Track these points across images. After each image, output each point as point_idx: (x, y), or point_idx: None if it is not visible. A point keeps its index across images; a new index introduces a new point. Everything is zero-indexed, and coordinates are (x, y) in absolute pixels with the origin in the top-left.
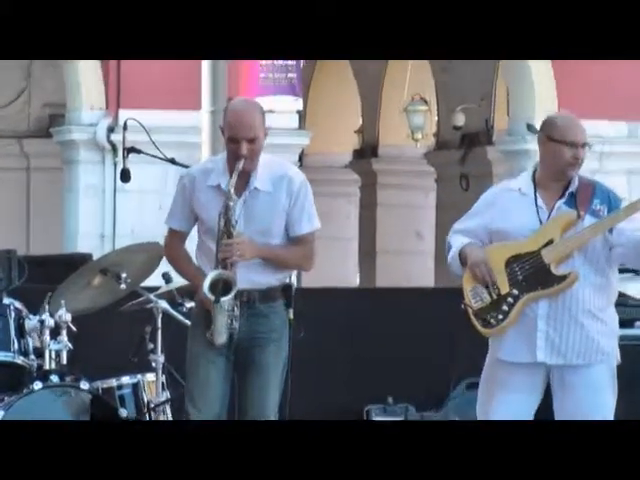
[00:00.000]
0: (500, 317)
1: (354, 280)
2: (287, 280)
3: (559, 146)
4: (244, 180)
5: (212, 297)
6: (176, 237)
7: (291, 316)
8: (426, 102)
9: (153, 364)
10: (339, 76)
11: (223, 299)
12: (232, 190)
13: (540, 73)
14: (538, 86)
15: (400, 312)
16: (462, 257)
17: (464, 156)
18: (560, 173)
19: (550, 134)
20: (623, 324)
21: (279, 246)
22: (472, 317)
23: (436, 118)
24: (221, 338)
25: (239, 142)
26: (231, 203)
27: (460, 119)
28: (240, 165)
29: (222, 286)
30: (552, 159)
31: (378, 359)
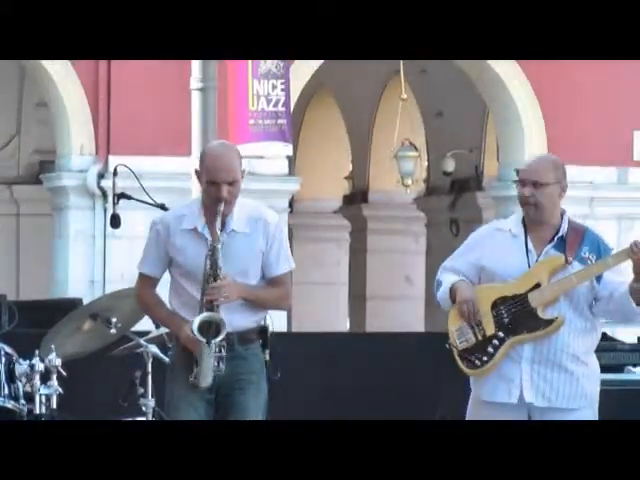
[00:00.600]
0: (485, 359)
1: (344, 325)
2: (262, 322)
3: (519, 187)
4: (220, 222)
5: (203, 339)
6: (148, 283)
7: (267, 358)
8: (416, 148)
9: (143, 408)
10: (329, 122)
11: (215, 340)
12: (219, 232)
13: (530, 119)
14: (528, 133)
15: (389, 356)
16: (452, 294)
17: (454, 202)
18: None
19: None
20: (613, 369)
21: (259, 287)
22: (457, 357)
23: (426, 164)
24: (207, 381)
25: (219, 185)
26: (218, 245)
27: (450, 165)
28: (221, 208)
29: (211, 328)
30: None
31: (366, 402)
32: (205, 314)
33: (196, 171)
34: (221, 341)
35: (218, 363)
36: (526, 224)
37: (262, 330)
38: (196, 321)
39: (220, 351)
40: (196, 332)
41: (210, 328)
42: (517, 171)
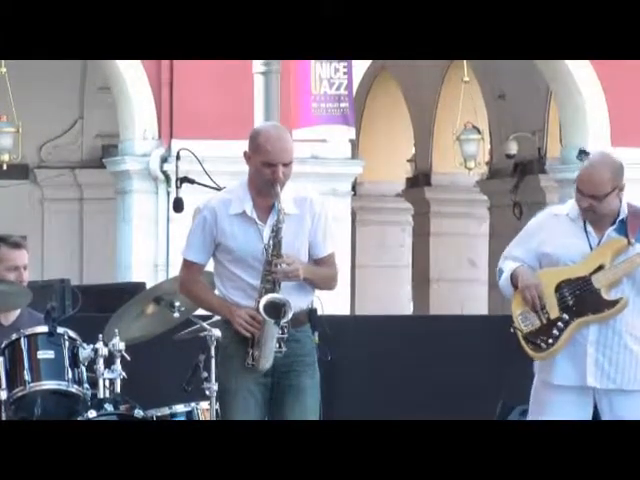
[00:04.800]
0: (550, 341)
1: (408, 308)
2: (311, 304)
3: (577, 195)
4: (269, 205)
5: (272, 320)
6: (195, 270)
7: (317, 340)
8: (479, 131)
9: (207, 392)
10: (392, 105)
11: (283, 321)
12: (283, 212)
13: (593, 101)
14: (590, 114)
15: (453, 339)
16: (514, 280)
17: (517, 184)
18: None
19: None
20: None
21: (317, 267)
22: (522, 341)
23: (489, 147)
24: (268, 363)
25: (276, 166)
26: (281, 225)
27: (513, 147)
28: (278, 189)
29: (275, 309)
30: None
31: (430, 386)
32: (270, 295)
33: (245, 153)
34: (286, 322)
35: (279, 344)
36: None
37: (310, 312)
38: (262, 302)
39: (283, 332)
40: (263, 313)
41: (274, 309)
42: (580, 152)
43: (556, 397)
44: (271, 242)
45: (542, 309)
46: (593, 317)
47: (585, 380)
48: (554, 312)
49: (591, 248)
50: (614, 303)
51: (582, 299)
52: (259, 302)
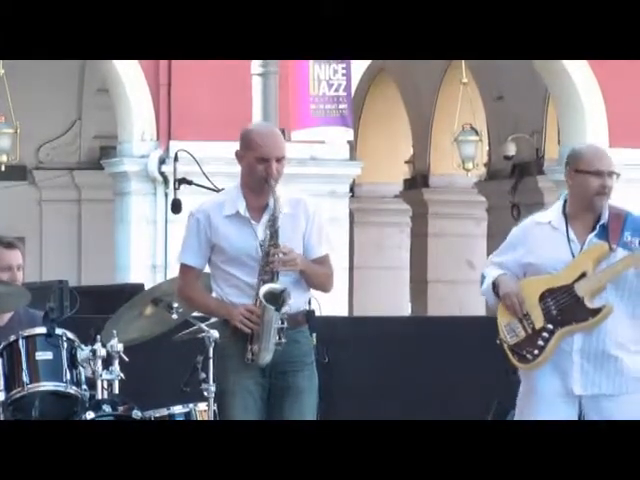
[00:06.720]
0: (536, 352)
1: (406, 309)
2: (308, 306)
3: (586, 177)
4: (262, 204)
5: (272, 307)
6: (192, 274)
7: (314, 341)
8: (477, 132)
9: (205, 393)
10: (390, 106)
11: (283, 308)
12: (279, 202)
13: (591, 102)
14: (589, 115)
15: (451, 340)
16: (496, 289)
17: (515, 186)
18: (589, 203)
19: (576, 166)
20: None
21: (314, 264)
22: (508, 352)
23: (487, 148)
24: (268, 356)
25: (269, 161)
26: (278, 215)
27: (511, 149)
28: (272, 183)
29: (274, 299)
30: (580, 191)
31: (428, 387)
32: (269, 285)
33: (237, 152)
34: (284, 313)
35: (279, 336)
36: (567, 214)
37: (308, 313)
38: (262, 291)
39: (282, 322)
40: (263, 300)
41: (273, 298)
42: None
43: (540, 406)
44: (268, 232)
45: (527, 319)
46: (577, 326)
47: (570, 389)
48: (539, 322)
49: (573, 256)
50: (598, 311)
51: (566, 308)
52: (258, 293)
